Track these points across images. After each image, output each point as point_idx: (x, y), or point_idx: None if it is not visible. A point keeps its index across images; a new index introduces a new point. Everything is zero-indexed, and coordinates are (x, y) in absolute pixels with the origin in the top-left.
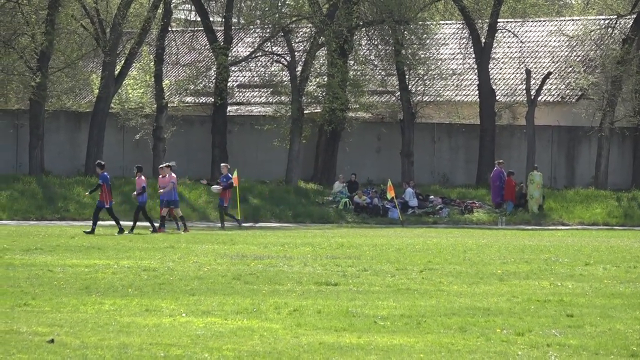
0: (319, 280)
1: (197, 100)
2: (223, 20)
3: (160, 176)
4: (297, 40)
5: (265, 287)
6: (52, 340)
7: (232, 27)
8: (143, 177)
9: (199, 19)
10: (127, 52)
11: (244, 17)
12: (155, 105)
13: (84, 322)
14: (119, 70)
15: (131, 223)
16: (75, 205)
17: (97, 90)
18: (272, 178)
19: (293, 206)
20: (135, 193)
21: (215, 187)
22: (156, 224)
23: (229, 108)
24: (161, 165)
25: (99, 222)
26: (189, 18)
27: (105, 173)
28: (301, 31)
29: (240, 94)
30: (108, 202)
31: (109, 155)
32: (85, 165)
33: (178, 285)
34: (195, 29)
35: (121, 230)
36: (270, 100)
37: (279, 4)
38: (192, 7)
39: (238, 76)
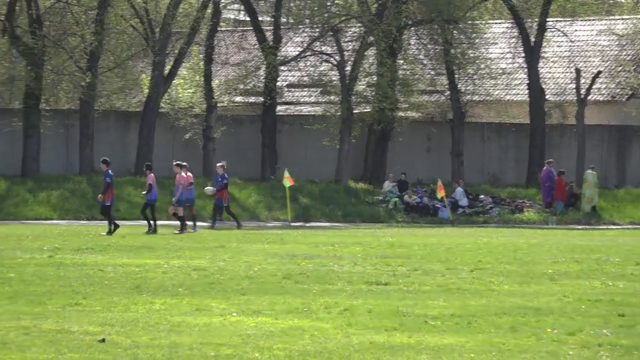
0: (370, 279)
1: (246, 100)
2: (272, 19)
3: (177, 174)
4: (346, 40)
5: (316, 286)
6: (103, 340)
7: (281, 27)
8: (152, 175)
9: (248, 18)
10: (177, 52)
11: (293, 16)
12: (204, 105)
13: (134, 321)
14: (168, 70)
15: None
16: (125, 205)
17: (147, 90)
18: (321, 178)
19: (343, 206)
20: (144, 192)
21: (209, 189)
22: (178, 224)
23: (278, 108)
24: (176, 163)
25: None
26: (238, 18)
27: (110, 171)
28: (350, 30)
29: (290, 93)
30: (109, 200)
31: (159, 155)
32: (136, 165)
33: (228, 284)
34: (245, 28)
35: (110, 232)
36: (320, 100)
37: (328, 4)
38: (241, 6)
39: (287, 76)
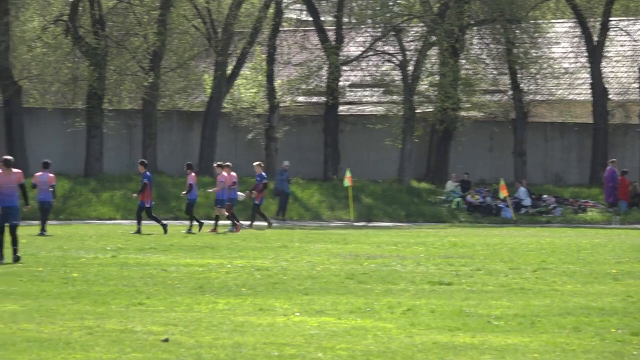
0: (432, 279)
1: (309, 100)
2: (334, 19)
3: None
4: (408, 40)
5: (379, 286)
6: (166, 339)
7: (344, 27)
8: (193, 174)
9: (310, 18)
10: (239, 52)
11: (355, 16)
12: (267, 105)
13: (198, 321)
14: (231, 70)
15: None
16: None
17: (210, 90)
18: (384, 177)
19: (405, 205)
20: (184, 192)
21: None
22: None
23: (340, 107)
24: (216, 164)
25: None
26: (300, 17)
27: (148, 172)
28: (412, 30)
29: (352, 93)
30: (149, 201)
31: (222, 154)
32: (199, 164)
33: (291, 284)
34: (307, 28)
35: (165, 231)
36: (382, 100)
37: (390, 3)
38: (304, 6)
39: (349, 75)
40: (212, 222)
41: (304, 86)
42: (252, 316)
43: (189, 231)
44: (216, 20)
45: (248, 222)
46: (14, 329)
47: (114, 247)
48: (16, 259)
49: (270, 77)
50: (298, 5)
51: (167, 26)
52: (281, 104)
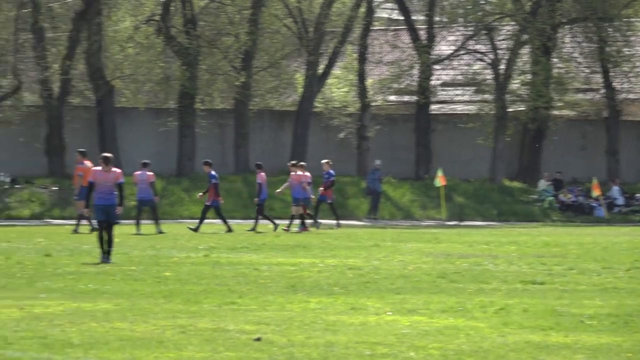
0: (525, 279)
1: (400, 99)
2: (426, 18)
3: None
4: (500, 38)
5: (471, 285)
6: (258, 339)
7: (435, 25)
8: (263, 174)
9: (401, 17)
10: (330, 51)
11: (446, 15)
12: (358, 104)
13: (290, 320)
14: (322, 69)
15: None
16: (280, 203)
17: (301, 90)
18: (476, 176)
19: (497, 204)
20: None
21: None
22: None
23: (432, 106)
24: (290, 163)
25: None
26: (391, 17)
27: (214, 172)
28: (504, 29)
29: (444, 92)
30: (210, 201)
31: (313, 154)
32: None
33: (383, 283)
34: (398, 27)
35: (229, 230)
36: (474, 99)
37: (482, 2)
38: (395, 5)
39: (441, 74)
40: (288, 221)
41: (395, 85)
42: (344, 315)
43: (252, 229)
44: (307, 19)
45: (335, 222)
46: (107, 328)
47: (206, 246)
48: (106, 259)
49: (361, 76)
50: (389, 4)
51: (259, 26)
52: (372, 103)
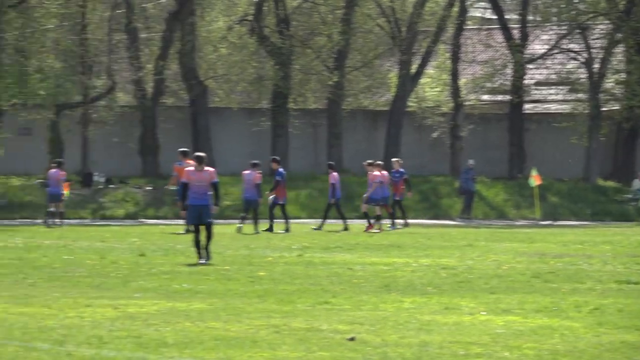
0: (620, 278)
1: (493, 98)
2: (519, 17)
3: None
4: (593, 37)
5: (565, 285)
6: (352, 338)
7: (528, 25)
8: (335, 174)
9: (494, 16)
10: (423, 51)
11: (540, 14)
12: (451, 104)
13: (383, 320)
14: (415, 68)
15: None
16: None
17: (394, 89)
18: (569, 176)
19: (592, 204)
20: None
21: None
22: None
23: (525, 106)
24: (367, 162)
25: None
26: (484, 16)
27: (281, 169)
28: (598, 28)
29: (537, 91)
30: (282, 198)
31: (407, 153)
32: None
33: (477, 283)
34: (491, 26)
35: (270, 229)
36: (567, 98)
37: (576, 1)
38: (488, 4)
39: (534, 74)
40: (366, 221)
41: (488, 85)
42: (438, 315)
43: (318, 228)
44: (400, 19)
45: (402, 221)
46: (202, 328)
47: (300, 245)
48: (207, 258)
49: (454, 75)
50: (482, 3)
51: (352, 25)
52: (466, 103)
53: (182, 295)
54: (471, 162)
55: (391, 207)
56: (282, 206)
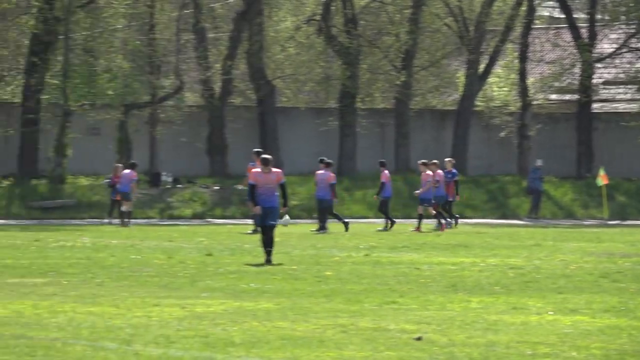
0: None
1: (561, 98)
2: (587, 16)
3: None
4: None
5: (633, 285)
6: (419, 338)
7: (596, 24)
8: (386, 172)
9: (562, 15)
10: (491, 50)
11: (608, 13)
12: (519, 103)
13: (450, 319)
14: (483, 68)
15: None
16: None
17: (462, 89)
18: (638, 175)
19: None
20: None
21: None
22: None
23: (593, 105)
24: (421, 162)
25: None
26: (552, 15)
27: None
28: None
29: (606, 90)
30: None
31: (474, 153)
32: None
33: (545, 283)
34: (559, 25)
35: (386, 228)
36: (636, 97)
37: None
38: (556, 3)
39: (603, 73)
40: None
41: (556, 84)
42: (505, 315)
43: (389, 228)
44: (468, 18)
45: (451, 221)
46: (269, 327)
47: (367, 245)
48: (268, 261)
49: (522, 75)
50: (551, 2)
51: (419, 25)
52: (534, 102)
53: (250, 295)
54: (539, 161)
55: (442, 207)
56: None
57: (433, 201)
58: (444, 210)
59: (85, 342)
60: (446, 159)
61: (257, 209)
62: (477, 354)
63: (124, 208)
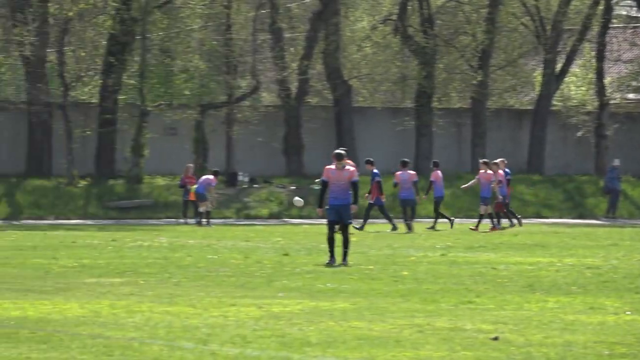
0: None
1: (639, 97)
2: None
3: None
4: None
5: None
6: (496, 338)
7: None
8: (438, 172)
9: None
10: (568, 49)
11: None
12: (596, 103)
13: (527, 319)
14: (560, 67)
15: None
16: (517, 203)
17: (539, 88)
18: None
19: None
20: (425, 195)
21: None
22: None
23: None
24: (482, 161)
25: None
26: (630, 14)
27: (376, 170)
28: None
29: None
30: (374, 199)
31: (551, 152)
32: (528, 163)
33: (622, 283)
34: (637, 24)
35: (394, 228)
36: None
37: None
38: (633, 2)
39: None
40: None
41: (634, 83)
42: (582, 315)
43: (432, 227)
44: (545, 17)
45: (509, 221)
46: (345, 327)
47: (443, 245)
48: (345, 263)
49: (599, 74)
50: (628, 1)
51: (496, 24)
52: (611, 102)
53: (326, 295)
54: (616, 161)
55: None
56: (382, 207)
57: (496, 201)
58: (505, 211)
59: (162, 341)
60: (499, 160)
61: (320, 211)
62: (554, 354)
63: (201, 209)
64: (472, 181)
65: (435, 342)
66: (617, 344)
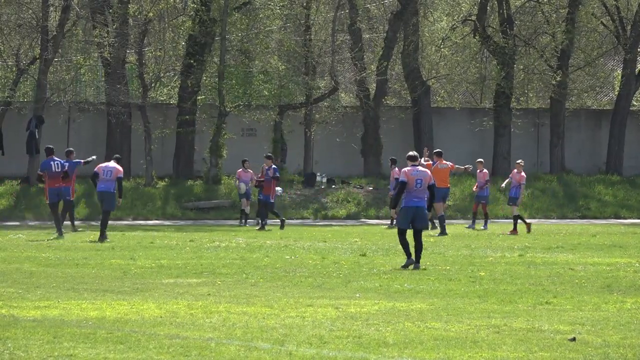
0: None
1: None
2: None
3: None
4: None
5: None
6: (573, 339)
7: None
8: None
9: None
10: None
11: None
12: None
13: (605, 320)
14: (639, 68)
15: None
16: (596, 203)
17: (618, 88)
18: None
19: None
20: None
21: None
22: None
23: None
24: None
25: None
26: None
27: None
28: None
29: None
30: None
31: (630, 153)
32: (607, 163)
33: None
34: None
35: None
36: None
37: None
38: None
39: None
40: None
41: None
42: None
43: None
44: (625, 17)
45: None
46: (422, 327)
47: (521, 245)
48: (416, 267)
49: None
50: None
51: (576, 24)
52: None
53: (403, 295)
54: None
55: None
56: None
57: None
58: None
59: (239, 342)
60: (517, 161)
61: (393, 212)
62: (632, 355)
63: (246, 207)
64: (507, 180)
65: (512, 343)
66: None
